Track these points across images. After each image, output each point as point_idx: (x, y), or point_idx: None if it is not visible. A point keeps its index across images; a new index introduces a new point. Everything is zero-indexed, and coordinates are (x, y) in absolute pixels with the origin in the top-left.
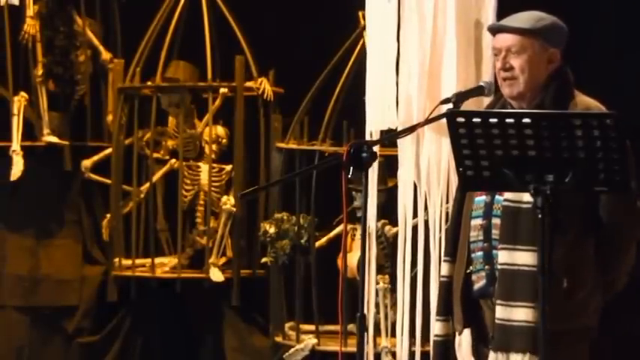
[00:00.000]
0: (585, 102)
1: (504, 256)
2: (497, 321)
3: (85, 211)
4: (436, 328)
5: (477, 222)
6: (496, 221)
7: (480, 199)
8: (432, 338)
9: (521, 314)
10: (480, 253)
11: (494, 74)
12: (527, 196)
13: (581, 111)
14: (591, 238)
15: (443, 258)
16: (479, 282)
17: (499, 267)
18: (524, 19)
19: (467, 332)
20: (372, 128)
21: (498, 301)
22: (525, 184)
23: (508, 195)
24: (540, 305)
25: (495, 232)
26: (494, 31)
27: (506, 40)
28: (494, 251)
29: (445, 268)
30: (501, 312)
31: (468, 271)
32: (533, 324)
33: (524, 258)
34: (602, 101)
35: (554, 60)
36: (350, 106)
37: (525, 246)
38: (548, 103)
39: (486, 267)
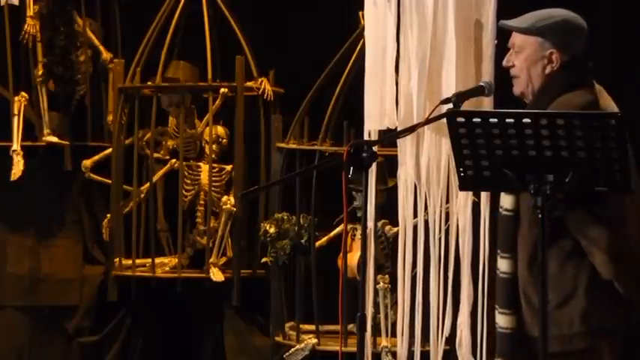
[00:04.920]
0: (565, 101)
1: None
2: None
3: (86, 211)
4: (501, 320)
5: None
6: None
7: None
8: (497, 330)
9: (499, 320)
10: None
11: (494, 74)
12: (506, 202)
13: (580, 111)
14: (566, 241)
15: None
16: None
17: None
18: (527, 18)
19: (466, 333)
20: (371, 128)
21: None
22: (525, 184)
23: (501, 201)
24: (541, 308)
25: None
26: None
27: (512, 38)
28: None
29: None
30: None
31: None
32: (505, 330)
33: (499, 264)
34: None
35: (554, 60)
36: (350, 106)
37: (502, 252)
38: (532, 103)
39: None
